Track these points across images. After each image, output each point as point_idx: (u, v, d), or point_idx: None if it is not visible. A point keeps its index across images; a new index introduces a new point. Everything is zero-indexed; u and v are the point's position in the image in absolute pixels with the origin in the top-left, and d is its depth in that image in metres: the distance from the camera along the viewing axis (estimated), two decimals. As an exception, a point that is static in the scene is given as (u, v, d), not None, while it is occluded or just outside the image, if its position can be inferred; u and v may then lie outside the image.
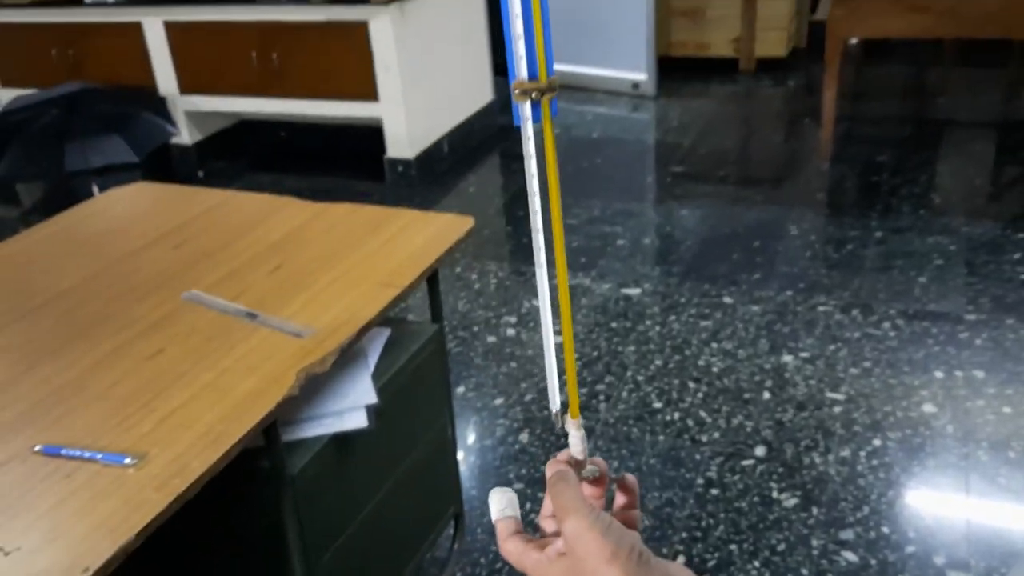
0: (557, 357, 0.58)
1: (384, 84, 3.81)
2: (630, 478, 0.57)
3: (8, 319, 1.52)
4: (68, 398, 1.27)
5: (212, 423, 1.19)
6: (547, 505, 0.56)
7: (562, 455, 0.57)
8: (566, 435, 0.57)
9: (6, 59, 4.49)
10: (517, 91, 0.48)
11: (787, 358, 2.56)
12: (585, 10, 4.89)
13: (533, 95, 0.48)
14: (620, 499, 0.58)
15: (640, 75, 4.83)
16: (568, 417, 0.57)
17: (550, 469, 0.55)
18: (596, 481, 0.56)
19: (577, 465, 0.57)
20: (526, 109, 0.48)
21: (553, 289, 0.55)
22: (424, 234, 1.68)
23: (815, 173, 3.87)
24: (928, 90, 4.82)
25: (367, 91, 3.84)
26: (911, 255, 3.03)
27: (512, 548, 0.54)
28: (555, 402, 0.57)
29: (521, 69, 0.47)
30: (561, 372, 0.56)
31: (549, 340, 0.57)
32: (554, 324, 0.58)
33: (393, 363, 1.58)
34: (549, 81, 0.48)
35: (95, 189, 3.76)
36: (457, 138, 4.28)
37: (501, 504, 0.56)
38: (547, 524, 0.56)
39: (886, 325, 2.66)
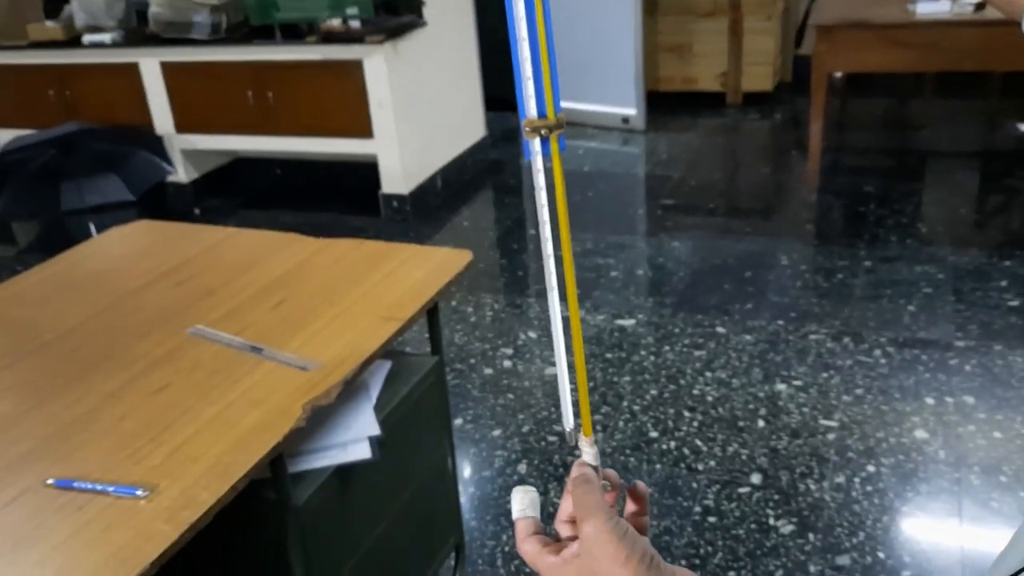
0: (569, 378, 0.61)
1: (378, 121, 3.87)
2: (641, 486, 0.61)
3: (15, 357, 1.54)
4: (78, 433, 1.30)
5: (220, 455, 1.22)
6: (564, 509, 0.59)
7: (587, 459, 0.59)
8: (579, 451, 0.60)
9: (4, 100, 4.54)
10: (528, 128, 0.52)
11: (780, 386, 2.59)
12: (575, 47, 4.98)
13: (543, 132, 0.51)
14: (631, 506, 0.61)
15: (630, 110, 4.91)
16: (581, 435, 0.60)
17: (576, 471, 0.58)
18: (608, 493, 0.59)
19: None
20: (536, 144, 0.52)
21: (564, 318, 0.58)
22: (424, 268, 1.72)
23: (803, 204, 3.93)
24: (911, 121, 4.91)
25: (362, 128, 3.90)
26: (900, 284, 3.08)
27: (529, 548, 0.56)
28: (568, 420, 0.61)
29: (531, 108, 0.51)
30: (573, 391, 0.60)
31: (562, 361, 0.60)
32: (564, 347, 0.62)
33: (394, 395, 1.60)
34: (557, 118, 0.52)
35: (92, 228, 3.79)
36: (450, 173, 4.33)
37: (523, 504, 0.59)
38: (563, 528, 0.59)
39: (877, 353, 2.70)
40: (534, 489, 0.60)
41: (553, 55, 0.50)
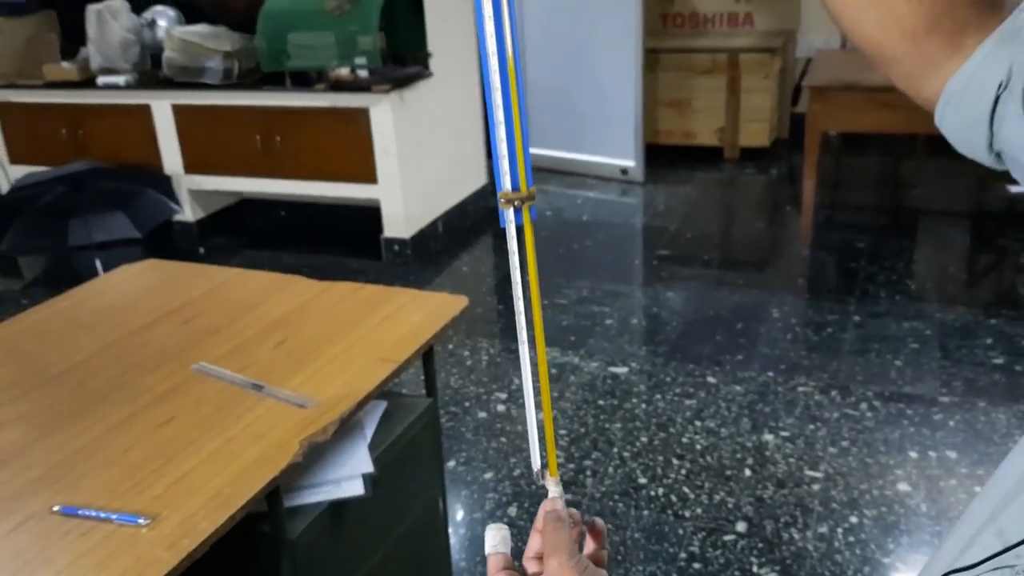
0: (538, 423, 0.67)
1: (383, 167, 3.96)
2: (599, 522, 0.67)
3: (25, 388, 1.60)
4: (83, 462, 1.35)
5: (220, 487, 1.27)
6: (531, 547, 0.65)
7: (557, 500, 0.66)
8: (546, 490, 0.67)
9: (18, 137, 4.65)
10: (503, 200, 0.59)
11: (768, 437, 2.64)
12: (577, 99, 5.11)
13: (516, 203, 0.59)
14: (590, 543, 0.67)
15: (629, 161, 5.02)
16: (547, 473, 0.66)
17: (548, 507, 0.64)
18: (572, 528, 0.65)
19: None
20: (510, 214, 0.59)
21: (536, 364, 0.65)
22: (421, 312, 1.79)
23: (796, 258, 4.01)
24: (904, 180, 5.01)
25: (366, 174, 3.99)
26: (887, 339, 3.15)
27: None
28: (536, 461, 0.67)
29: (506, 182, 0.59)
30: (542, 436, 0.66)
31: (530, 405, 0.67)
32: (536, 395, 0.68)
33: (389, 434, 1.66)
34: (529, 191, 0.59)
35: (98, 264, 3.87)
36: (451, 219, 4.42)
37: (495, 540, 0.65)
38: (530, 565, 0.65)
39: (863, 406, 2.75)
40: (506, 527, 0.67)
41: (526, 137, 0.57)
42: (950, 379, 2.86)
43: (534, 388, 0.65)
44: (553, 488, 0.66)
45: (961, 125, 0.57)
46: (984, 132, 0.55)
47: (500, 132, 0.57)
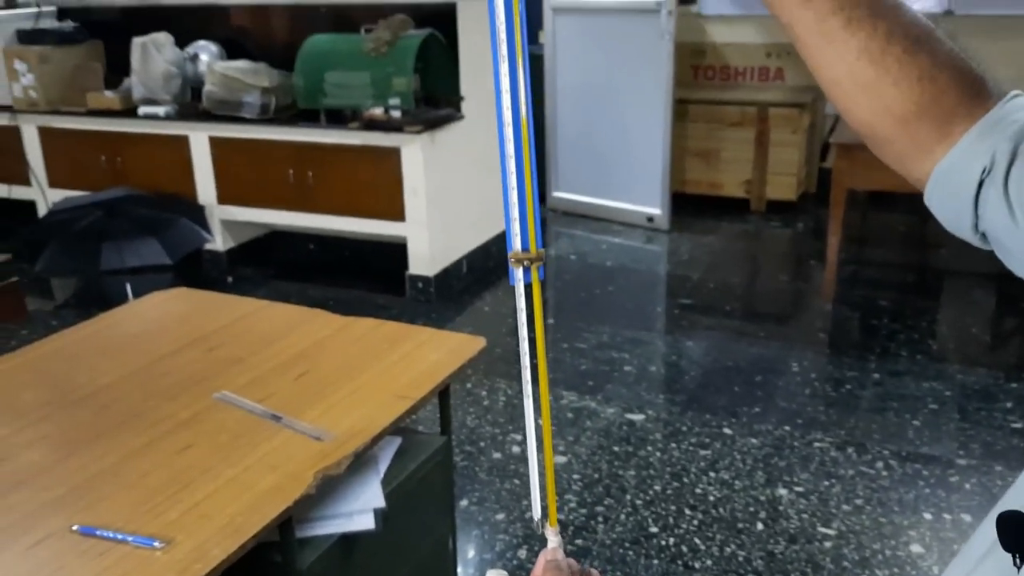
0: (539, 473, 0.70)
1: (411, 206, 4.03)
2: (595, 572, 0.69)
3: (50, 409, 1.65)
4: (103, 484, 1.39)
5: (233, 515, 1.30)
6: None
7: (557, 550, 0.68)
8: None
9: (58, 162, 4.77)
10: (513, 259, 0.63)
11: (782, 491, 2.64)
12: (606, 147, 5.17)
13: (525, 263, 0.62)
14: None
15: (655, 209, 5.05)
16: (547, 523, 0.69)
17: (548, 556, 0.67)
18: None
19: None
20: (519, 273, 0.63)
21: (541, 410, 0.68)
22: (439, 351, 1.82)
23: (818, 313, 4.01)
24: (930, 239, 5.00)
25: (394, 211, 4.06)
26: (906, 398, 3.14)
27: None
28: (536, 510, 0.70)
29: (516, 243, 0.62)
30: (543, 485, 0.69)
31: (533, 457, 0.69)
32: (546, 442, 0.71)
33: (402, 471, 1.69)
34: (538, 253, 0.62)
35: (128, 288, 3.95)
36: (475, 259, 4.47)
37: None
38: None
39: (879, 464, 2.74)
40: (506, 572, 0.69)
41: (537, 202, 0.61)
42: (968, 441, 2.84)
43: (537, 442, 0.68)
44: (552, 538, 0.68)
45: (948, 206, 0.60)
46: (970, 214, 0.58)
47: (512, 196, 0.60)
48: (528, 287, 0.62)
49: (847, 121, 0.64)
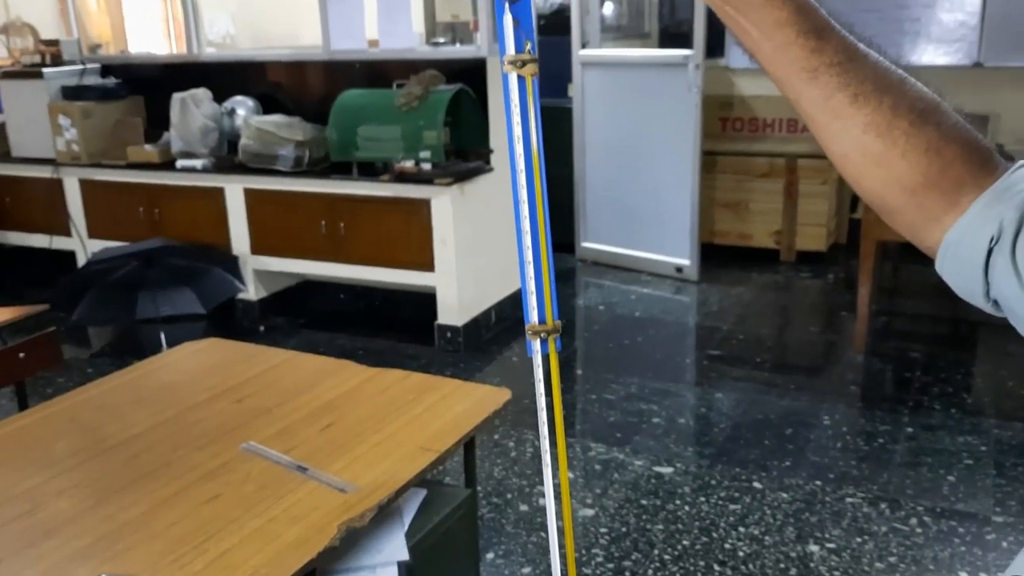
0: (559, 537, 0.71)
1: (440, 256, 4.07)
2: None
3: (81, 458, 1.68)
4: (130, 534, 1.41)
5: (258, 567, 1.31)
6: None
7: None
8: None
9: (98, 214, 4.89)
10: (530, 332, 0.64)
11: (813, 548, 2.59)
12: (635, 197, 5.20)
13: (542, 335, 0.64)
14: None
15: (684, 260, 5.06)
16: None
17: None
18: None
19: None
20: (536, 345, 0.64)
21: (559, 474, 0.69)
22: (464, 403, 1.83)
23: (849, 365, 3.97)
24: (965, 290, 4.95)
25: (424, 262, 4.11)
26: (940, 453, 3.08)
27: None
28: (556, 574, 0.70)
29: (533, 316, 0.64)
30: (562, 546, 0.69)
31: (552, 523, 0.70)
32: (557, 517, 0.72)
33: (426, 523, 1.69)
34: (554, 324, 0.64)
35: (162, 337, 4.01)
36: (504, 309, 4.49)
37: None
38: None
39: (913, 521, 2.69)
40: None
41: (553, 276, 0.63)
42: (1005, 498, 2.78)
43: (556, 509, 0.68)
44: None
45: (959, 274, 0.61)
46: (980, 282, 0.59)
47: (529, 271, 0.62)
48: (546, 358, 0.63)
49: (857, 192, 0.65)
